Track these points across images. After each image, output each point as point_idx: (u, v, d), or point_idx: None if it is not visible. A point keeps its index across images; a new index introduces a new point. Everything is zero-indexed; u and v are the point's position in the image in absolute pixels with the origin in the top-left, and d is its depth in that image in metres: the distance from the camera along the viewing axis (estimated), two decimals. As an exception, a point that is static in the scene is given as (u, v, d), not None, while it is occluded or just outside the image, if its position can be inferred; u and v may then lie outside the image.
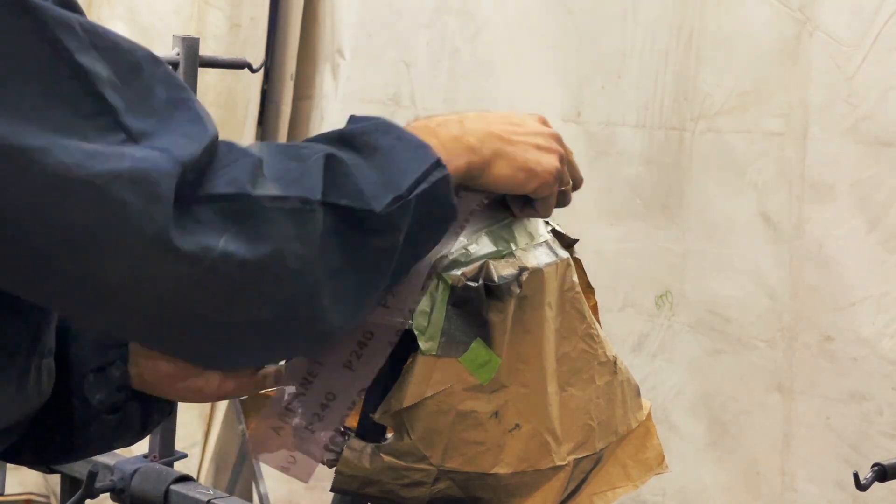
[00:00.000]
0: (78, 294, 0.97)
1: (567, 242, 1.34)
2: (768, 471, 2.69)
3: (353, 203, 1.03)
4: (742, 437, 2.75)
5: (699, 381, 2.83)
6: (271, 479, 3.37)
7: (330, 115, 3.65)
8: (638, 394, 1.42)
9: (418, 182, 1.07)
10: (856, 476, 1.56)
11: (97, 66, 0.95)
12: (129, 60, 0.98)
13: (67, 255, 0.93)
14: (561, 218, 1.37)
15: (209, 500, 1.84)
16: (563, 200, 1.26)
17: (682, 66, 2.80)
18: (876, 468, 1.57)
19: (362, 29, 3.52)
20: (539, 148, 1.20)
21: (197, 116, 1.00)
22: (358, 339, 1.20)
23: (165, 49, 2.35)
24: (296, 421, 1.22)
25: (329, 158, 1.03)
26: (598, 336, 1.34)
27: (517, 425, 1.27)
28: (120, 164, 0.92)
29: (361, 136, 1.08)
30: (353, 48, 3.55)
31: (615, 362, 1.37)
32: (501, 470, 1.27)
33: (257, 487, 3.32)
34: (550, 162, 1.20)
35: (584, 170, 3.19)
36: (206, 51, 2.44)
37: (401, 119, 3.73)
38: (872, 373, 2.51)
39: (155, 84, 0.99)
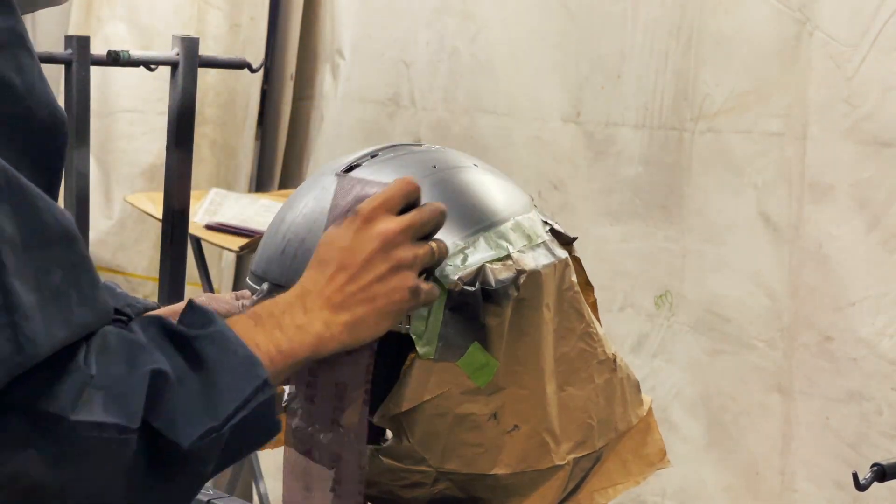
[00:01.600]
0: None
1: (565, 241, 1.34)
2: (768, 471, 2.69)
3: (165, 430, 1.00)
4: (742, 437, 2.75)
5: (699, 381, 2.83)
6: (271, 478, 3.37)
7: (330, 116, 3.65)
8: (638, 390, 1.42)
9: (238, 410, 1.04)
10: (855, 476, 1.55)
11: (2, 220, 0.93)
12: (42, 231, 0.96)
13: None
14: (561, 218, 1.37)
15: (209, 500, 1.83)
16: (438, 263, 1.21)
17: (682, 66, 2.80)
18: (875, 468, 1.57)
19: (362, 29, 3.52)
20: (383, 278, 1.16)
21: (67, 321, 0.96)
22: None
23: (165, 49, 2.35)
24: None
25: (156, 376, 1.00)
26: (596, 335, 1.34)
27: (516, 426, 1.27)
28: None
29: (193, 342, 1.05)
30: (353, 48, 3.55)
31: (615, 360, 1.37)
32: (500, 471, 1.28)
33: (257, 487, 3.32)
34: (401, 284, 1.17)
35: (584, 170, 3.20)
36: (206, 51, 2.43)
37: (401, 119, 3.72)
38: (872, 373, 2.51)
39: (56, 266, 0.96)
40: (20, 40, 0.99)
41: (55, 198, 1.02)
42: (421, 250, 1.18)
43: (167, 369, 1.01)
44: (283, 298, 1.15)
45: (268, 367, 1.08)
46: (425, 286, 1.18)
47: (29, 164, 0.98)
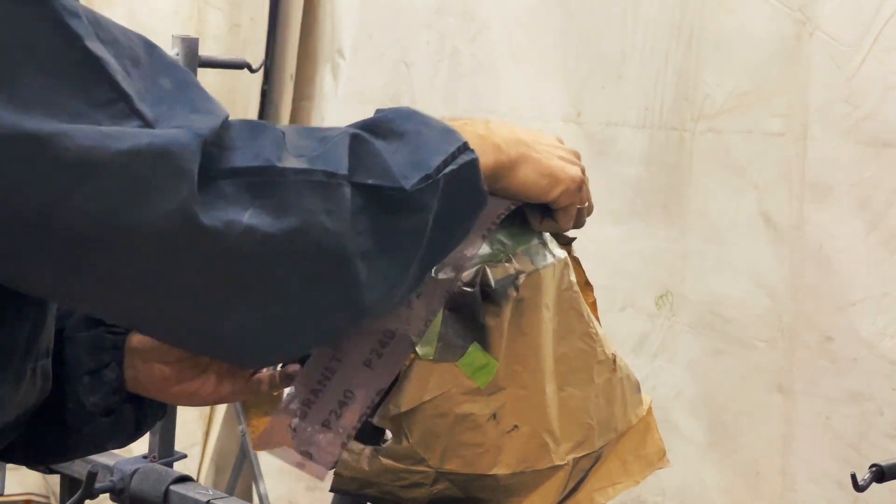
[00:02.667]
0: (100, 282, 0.95)
1: (565, 241, 1.34)
2: (768, 471, 2.69)
3: (381, 181, 1.01)
4: (742, 437, 2.75)
5: (699, 382, 2.83)
6: (271, 478, 3.37)
7: (330, 116, 3.65)
8: (638, 390, 1.42)
9: (446, 163, 1.05)
10: (853, 477, 1.55)
11: (106, 55, 0.94)
12: (130, 50, 0.97)
13: (90, 237, 0.91)
14: (560, 218, 1.36)
15: (209, 501, 1.83)
16: (579, 220, 1.25)
17: (682, 66, 2.80)
18: (874, 469, 1.57)
19: (362, 29, 3.52)
20: (562, 158, 1.20)
21: (207, 95, 0.99)
22: (379, 339, 1.19)
23: (165, 49, 2.35)
24: (311, 418, 1.21)
25: (354, 138, 1.02)
26: (596, 334, 1.34)
27: (515, 426, 1.27)
28: (139, 141, 0.91)
29: (386, 123, 1.07)
30: (353, 48, 3.55)
31: (614, 360, 1.36)
32: (500, 471, 1.28)
33: (257, 487, 3.32)
34: (574, 171, 1.21)
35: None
36: (205, 51, 2.43)
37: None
38: (872, 373, 2.51)
39: (157, 73, 0.97)
40: None
41: None
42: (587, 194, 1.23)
43: (364, 134, 1.02)
44: (463, 118, 1.16)
45: None
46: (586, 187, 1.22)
47: None
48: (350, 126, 1.06)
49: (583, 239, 1.40)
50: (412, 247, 1.05)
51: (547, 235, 1.31)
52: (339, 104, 3.60)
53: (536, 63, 3.09)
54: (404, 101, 3.39)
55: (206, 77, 3.67)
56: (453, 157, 1.06)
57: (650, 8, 2.85)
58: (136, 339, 1.26)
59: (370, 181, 1.01)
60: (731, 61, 2.71)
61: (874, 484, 1.58)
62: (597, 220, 3.22)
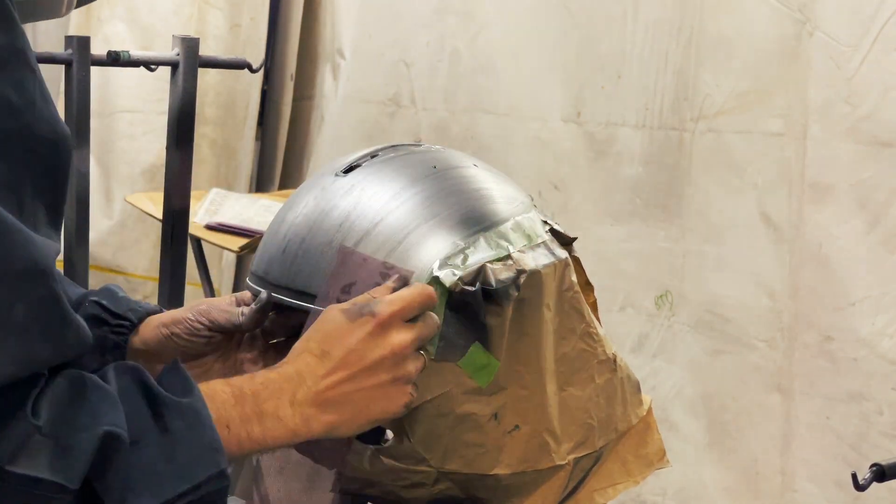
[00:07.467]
0: None
1: (565, 241, 1.34)
2: (768, 471, 2.70)
3: (103, 495, 0.96)
4: (742, 437, 2.75)
5: (699, 381, 2.83)
6: (271, 478, 3.37)
7: (330, 115, 3.65)
8: (638, 390, 1.42)
9: (185, 494, 1.00)
10: (854, 476, 1.55)
11: None
12: (9, 265, 0.93)
13: None
14: (561, 218, 1.37)
15: (209, 501, 1.83)
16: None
17: (682, 66, 2.80)
18: (874, 468, 1.57)
19: (362, 29, 3.52)
20: (383, 386, 1.15)
21: (21, 357, 0.94)
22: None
23: (165, 49, 2.35)
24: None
25: (107, 439, 0.97)
26: (597, 335, 1.34)
27: (516, 426, 1.27)
28: None
29: (163, 407, 1.02)
30: (353, 48, 3.55)
31: (615, 360, 1.37)
32: (501, 471, 1.28)
33: (257, 487, 3.32)
34: (398, 397, 1.16)
35: (584, 170, 3.20)
36: (206, 51, 2.44)
37: (401, 119, 3.71)
38: (872, 373, 2.51)
39: (19, 301, 0.93)
40: (20, 56, 0.96)
41: (61, 213, 1.00)
42: (420, 364, 1.18)
43: (122, 432, 0.98)
44: (274, 381, 1.11)
45: (234, 451, 1.06)
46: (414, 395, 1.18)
47: (30, 180, 0.95)
48: (136, 389, 1.02)
49: (583, 238, 1.40)
50: None
51: (548, 235, 1.31)
52: (339, 104, 3.60)
53: (536, 63, 3.09)
54: (404, 101, 3.39)
55: (206, 77, 3.68)
56: (197, 487, 1.01)
57: (650, 8, 2.85)
58: (139, 340, 1.27)
59: (96, 485, 0.96)
60: (730, 61, 2.72)
61: (874, 484, 1.58)
62: (597, 220, 3.24)
